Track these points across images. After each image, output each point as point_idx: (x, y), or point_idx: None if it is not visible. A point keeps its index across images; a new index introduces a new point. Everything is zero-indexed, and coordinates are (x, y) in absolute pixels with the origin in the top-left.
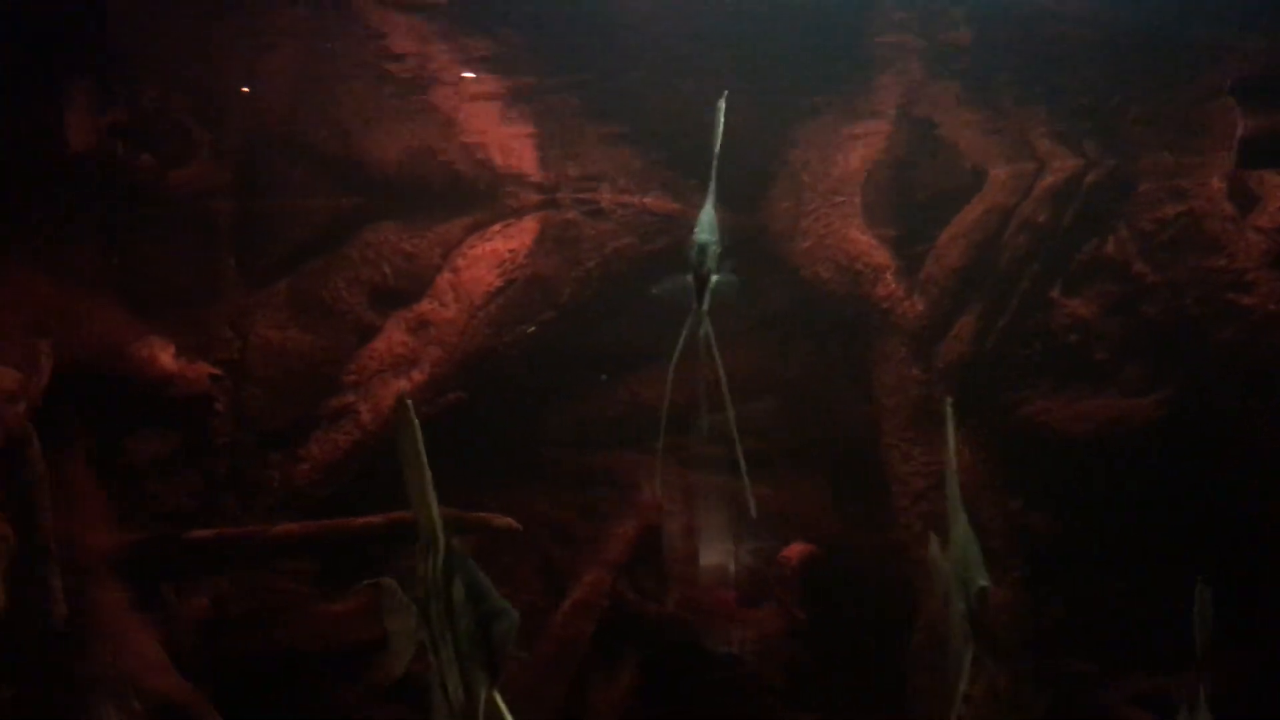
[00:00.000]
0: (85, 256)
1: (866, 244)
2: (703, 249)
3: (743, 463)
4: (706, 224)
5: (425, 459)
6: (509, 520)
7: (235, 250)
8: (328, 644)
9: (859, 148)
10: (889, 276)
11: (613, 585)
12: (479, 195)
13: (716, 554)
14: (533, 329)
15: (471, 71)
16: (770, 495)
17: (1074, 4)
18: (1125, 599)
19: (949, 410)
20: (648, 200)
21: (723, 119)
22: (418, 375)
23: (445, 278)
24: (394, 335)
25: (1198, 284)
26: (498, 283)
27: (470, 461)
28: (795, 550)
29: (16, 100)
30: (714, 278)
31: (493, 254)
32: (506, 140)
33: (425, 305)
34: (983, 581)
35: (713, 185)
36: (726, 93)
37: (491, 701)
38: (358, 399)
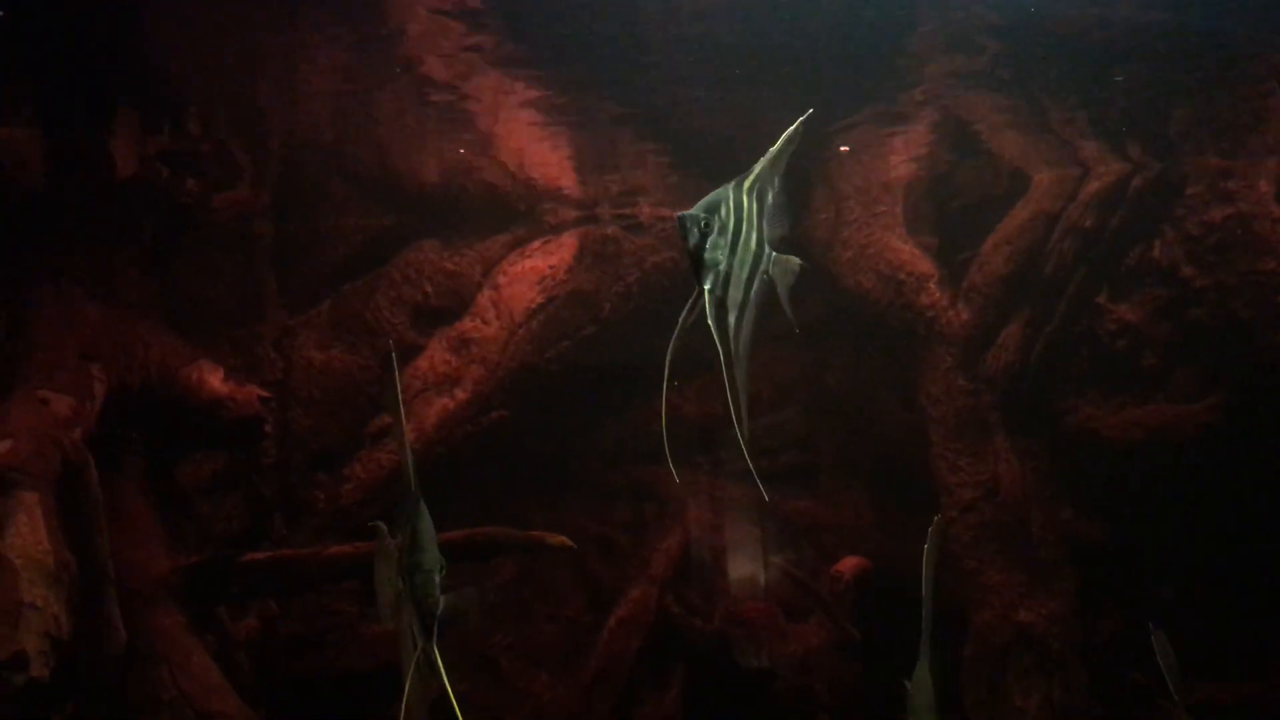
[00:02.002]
0: (132, 281)
1: (909, 253)
2: (681, 223)
3: (744, 436)
4: (704, 201)
5: (403, 409)
6: (563, 538)
7: (276, 271)
8: (376, 663)
9: (899, 157)
10: (932, 285)
11: (658, 601)
12: (518, 212)
13: (760, 568)
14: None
15: (510, 89)
16: (812, 507)
17: (1121, 10)
18: (1180, 608)
19: None
20: None
21: (792, 138)
22: (460, 394)
23: (486, 295)
24: (436, 354)
25: (1247, 287)
26: (539, 299)
27: (513, 477)
28: (848, 565)
29: (65, 128)
30: (719, 260)
31: (533, 271)
32: (545, 156)
33: (467, 323)
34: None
35: (752, 171)
36: (810, 111)
37: (427, 653)
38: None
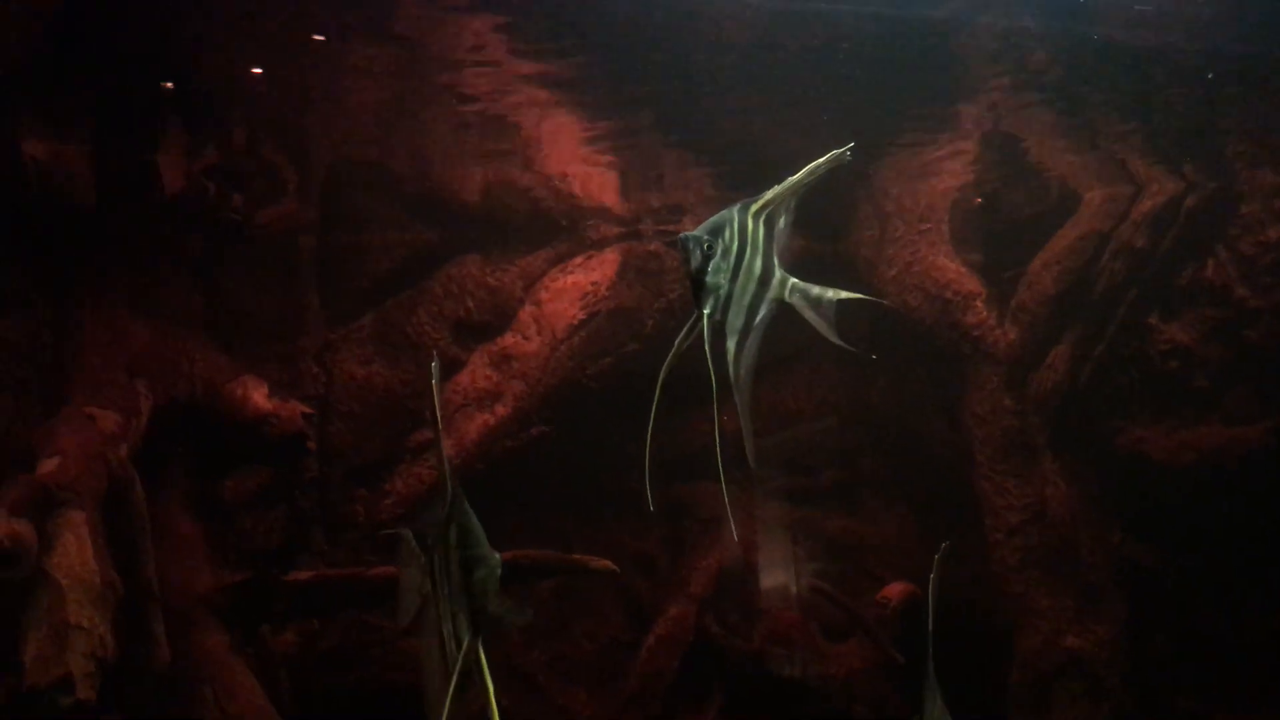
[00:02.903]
0: (178, 296)
1: (955, 271)
2: (684, 244)
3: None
4: (707, 224)
5: (440, 414)
6: (607, 563)
7: (319, 285)
8: (414, 678)
9: (945, 174)
10: (979, 304)
11: (697, 619)
12: (560, 227)
13: (800, 587)
14: None
15: (553, 107)
16: (854, 525)
17: (1177, 32)
18: (1233, 633)
19: None
20: None
21: (815, 171)
22: (501, 409)
23: (528, 311)
24: (478, 369)
25: None
26: (580, 315)
27: (552, 493)
28: (895, 590)
29: (115, 145)
30: (719, 284)
31: (575, 286)
32: (587, 172)
33: (508, 339)
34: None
35: (763, 196)
36: (852, 145)
37: (473, 651)
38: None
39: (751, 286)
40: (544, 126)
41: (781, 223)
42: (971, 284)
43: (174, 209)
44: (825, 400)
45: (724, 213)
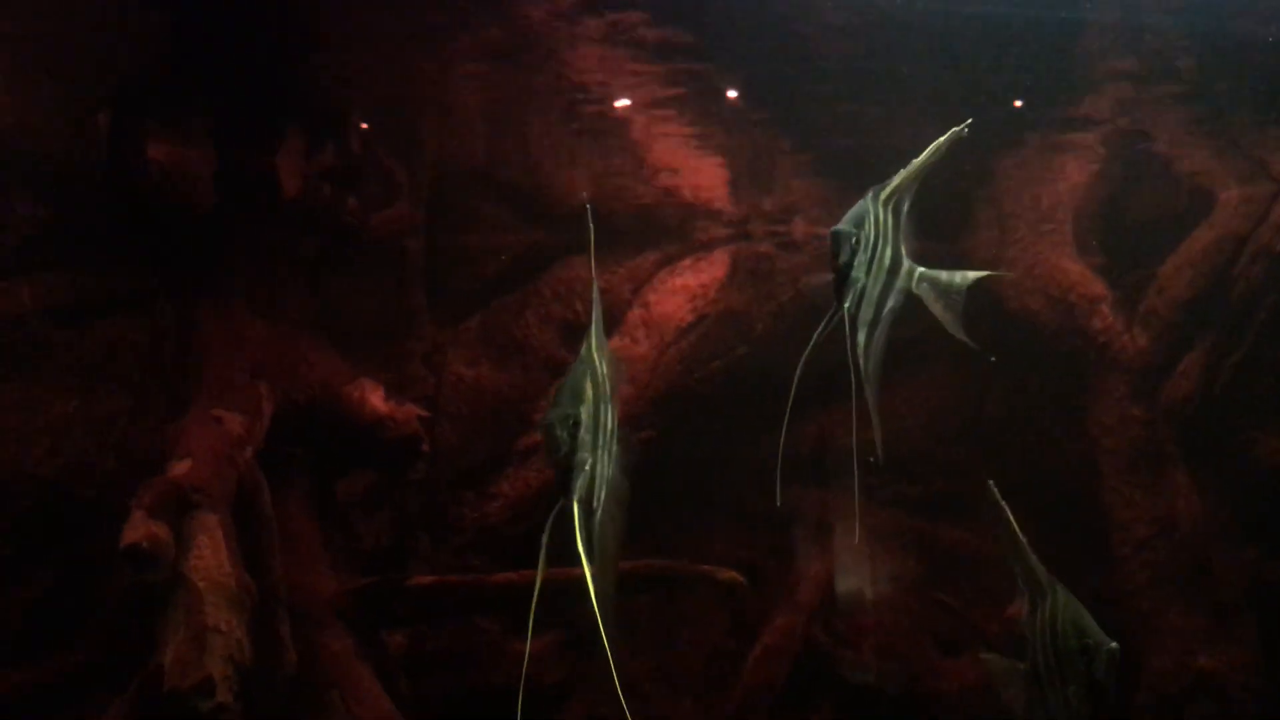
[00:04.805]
0: (296, 299)
1: (1080, 274)
2: (836, 238)
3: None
4: (852, 215)
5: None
6: (734, 574)
7: (427, 287)
8: (518, 682)
9: (1068, 173)
10: (1105, 308)
11: (805, 629)
12: (669, 229)
13: (914, 599)
14: None
15: (663, 107)
16: (968, 538)
17: None
18: None
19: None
20: None
21: (939, 150)
22: None
23: (636, 313)
24: None
25: None
26: (689, 318)
27: (658, 499)
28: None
29: (234, 148)
30: (859, 278)
31: (684, 289)
32: (697, 172)
33: (616, 342)
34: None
35: (890, 183)
36: (970, 120)
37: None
38: None
39: (882, 277)
40: (653, 127)
41: (905, 208)
42: (1097, 287)
43: (291, 212)
44: (937, 408)
45: (861, 203)
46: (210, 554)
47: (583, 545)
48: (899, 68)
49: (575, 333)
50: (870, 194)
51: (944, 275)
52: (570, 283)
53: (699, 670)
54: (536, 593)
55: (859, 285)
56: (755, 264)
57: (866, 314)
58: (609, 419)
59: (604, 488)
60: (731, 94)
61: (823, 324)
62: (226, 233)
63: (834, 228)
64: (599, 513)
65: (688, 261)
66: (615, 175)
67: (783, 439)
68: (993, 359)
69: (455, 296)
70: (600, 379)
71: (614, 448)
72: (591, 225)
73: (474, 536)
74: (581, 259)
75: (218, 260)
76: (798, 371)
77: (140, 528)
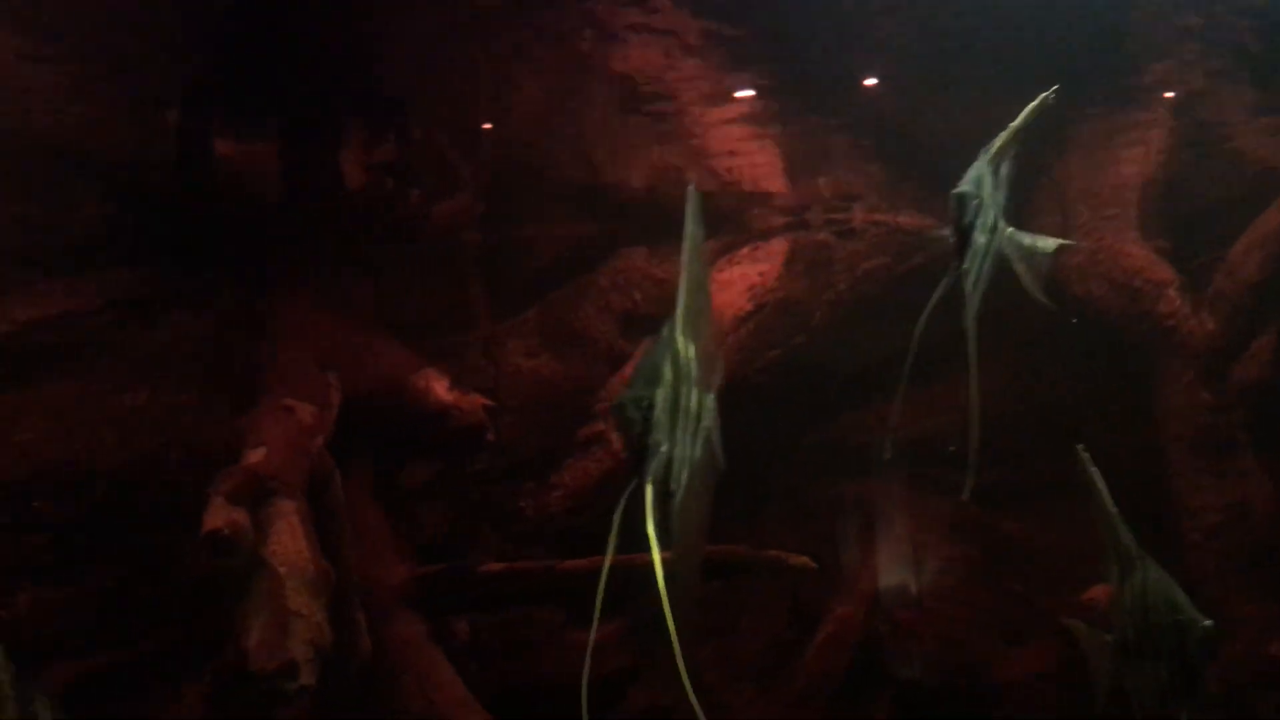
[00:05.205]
0: (359, 290)
1: (1145, 258)
2: (961, 200)
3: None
4: (970, 176)
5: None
6: (805, 559)
7: (485, 278)
8: (577, 673)
9: (1132, 156)
10: (1172, 292)
11: (866, 619)
12: (726, 217)
13: (977, 589)
14: None
15: (718, 93)
16: (1029, 528)
17: None
18: None
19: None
20: (900, 218)
21: (1038, 109)
22: None
23: None
24: None
25: None
26: (748, 307)
27: (718, 489)
28: (1100, 592)
29: (298, 142)
30: (981, 238)
31: (742, 278)
32: (754, 160)
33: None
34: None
35: (994, 144)
36: (1056, 87)
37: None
38: (608, 427)
39: (984, 239)
40: (709, 114)
41: (1004, 170)
42: (1163, 271)
43: (354, 205)
44: (994, 395)
45: (975, 164)
46: (289, 540)
47: (654, 529)
48: (952, 51)
49: (634, 323)
50: (980, 155)
51: (1027, 238)
52: (628, 273)
53: (758, 658)
54: (604, 573)
55: (979, 245)
56: (813, 252)
57: (975, 275)
58: (693, 402)
59: (683, 471)
60: (788, 81)
61: (938, 289)
62: (292, 226)
63: (957, 189)
64: (677, 498)
65: (745, 250)
66: (672, 165)
67: (896, 409)
68: (1074, 319)
69: (512, 288)
70: (684, 362)
71: (699, 433)
72: (693, 206)
73: (534, 526)
74: (639, 249)
75: (284, 253)
76: (916, 333)
77: (221, 514)
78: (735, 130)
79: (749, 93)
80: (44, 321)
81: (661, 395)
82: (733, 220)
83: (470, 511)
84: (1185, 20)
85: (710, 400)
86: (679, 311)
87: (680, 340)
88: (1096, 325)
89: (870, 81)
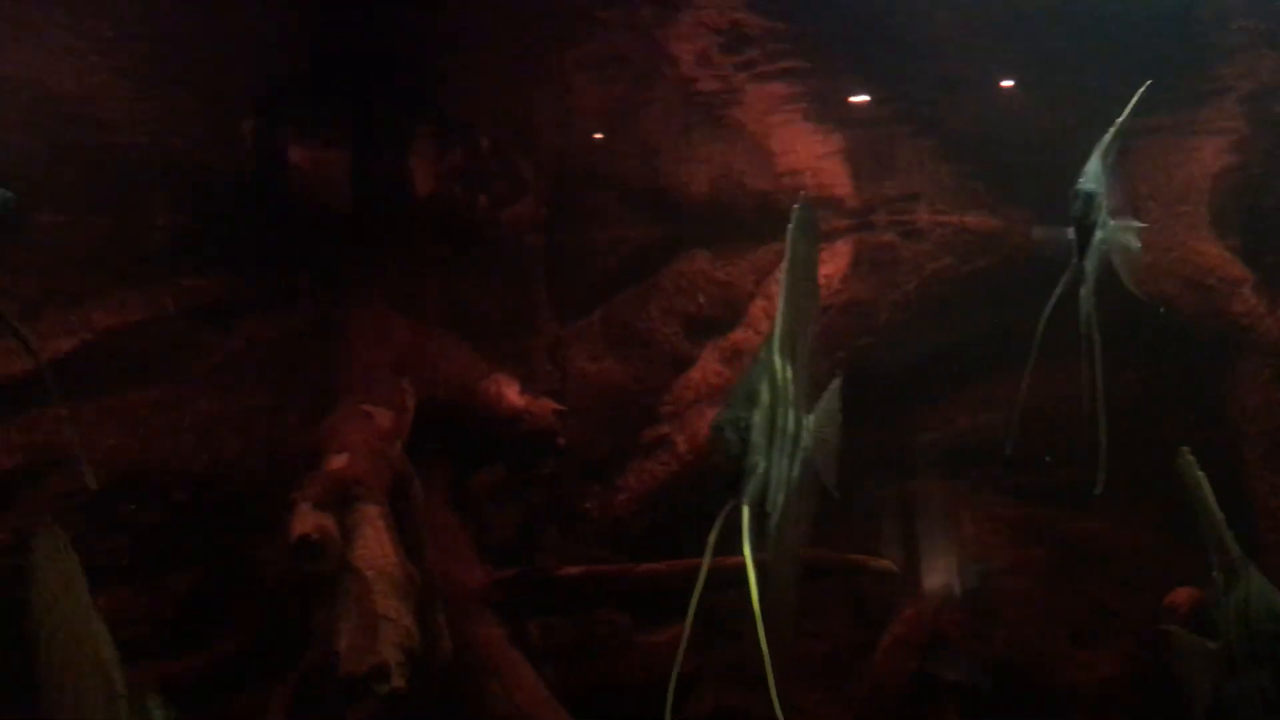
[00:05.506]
0: (428, 295)
1: (1218, 256)
2: (1088, 198)
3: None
4: (1092, 173)
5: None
6: (886, 563)
7: (549, 283)
8: (649, 676)
9: (1203, 153)
10: (1247, 291)
11: (934, 621)
12: (789, 219)
13: (1047, 591)
14: None
15: (782, 95)
16: (1099, 529)
17: None
18: None
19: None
20: (966, 219)
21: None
22: None
23: (759, 305)
24: (709, 365)
25: None
26: None
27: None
28: (1183, 595)
29: (369, 150)
30: (1099, 234)
31: None
32: (818, 162)
33: (739, 334)
34: None
35: (1107, 138)
36: (1150, 81)
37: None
38: (673, 430)
39: (1100, 235)
40: (772, 116)
41: (1112, 162)
42: (1237, 269)
43: (424, 211)
44: (1064, 396)
45: (1092, 160)
46: (375, 544)
47: (749, 550)
48: (1017, 46)
49: (698, 326)
50: (1096, 148)
51: (1123, 233)
52: (692, 276)
53: (826, 660)
54: (697, 592)
55: (1096, 242)
56: (878, 253)
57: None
58: (790, 424)
59: (781, 492)
60: (851, 81)
61: (1062, 279)
62: (365, 232)
63: (1083, 186)
64: (775, 518)
65: None
66: (735, 167)
67: (1021, 396)
68: (1162, 309)
69: (576, 292)
70: (781, 382)
71: (797, 454)
72: (798, 220)
73: (600, 528)
74: (702, 252)
75: (358, 259)
76: (1039, 327)
77: (309, 519)
78: (799, 133)
79: (815, 98)
80: (124, 329)
81: (759, 416)
82: None
83: (536, 514)
84: (1255, 19)
85: (809, 421)
86: (776, 332)
87: (778, 361)
88: (1169, 324)
89: (936, 83)
